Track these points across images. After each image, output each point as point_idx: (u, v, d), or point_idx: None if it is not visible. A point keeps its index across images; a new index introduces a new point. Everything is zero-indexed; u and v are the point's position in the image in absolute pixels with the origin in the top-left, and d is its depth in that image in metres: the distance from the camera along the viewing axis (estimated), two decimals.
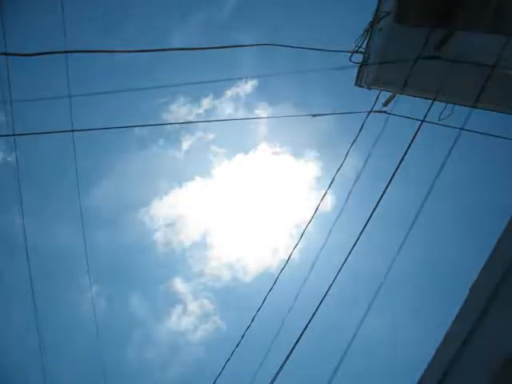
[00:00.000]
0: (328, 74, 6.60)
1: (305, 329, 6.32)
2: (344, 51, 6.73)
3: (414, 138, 6.21)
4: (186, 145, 17.82)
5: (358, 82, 7.05)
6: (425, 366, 4.69)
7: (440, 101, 6.69)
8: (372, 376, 15.39)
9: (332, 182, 7.40)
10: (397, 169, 6.13)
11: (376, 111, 7.19)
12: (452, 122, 6.58)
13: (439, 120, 6.67)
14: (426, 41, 5.84)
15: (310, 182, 17.57)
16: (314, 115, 7.60)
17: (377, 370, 15.62)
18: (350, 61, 6.75)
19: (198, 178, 17.92)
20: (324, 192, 7.77)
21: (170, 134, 17.99)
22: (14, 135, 9.26)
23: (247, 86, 17.13)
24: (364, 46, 6.78)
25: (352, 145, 7.24)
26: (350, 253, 6.48)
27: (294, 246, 7.78)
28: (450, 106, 6.72)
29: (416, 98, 6.88)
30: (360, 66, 6.53)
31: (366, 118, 7.14)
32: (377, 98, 7.31)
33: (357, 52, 6.75)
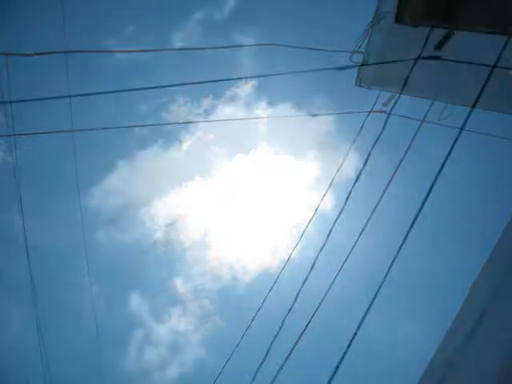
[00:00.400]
0: (328, 73, 6.59)
1: (305, 329, 6.31)
2: (344, 51, 6.71)
3: (413, 138, 6.20)
4: (185, 145, 17.83)
5: (358, 82, 7.04)
6: (425, 366, 4.69)
7: (440, 101, 6.66)
8: (372, 376, 15.39)
9: (332, 182, 7.39)
10: (397, 169, 6.12)
11: (376, 111, 7.16)
12: (452, 122, 6.57)
13: (439, 120, 6.65)
14: (426, 41, 5.83)
15: (310, 182, 17.57)
16: (314, 115, 7.58)
17: (377, 370, 15.63)
18: (351, 61, 6.74)
19: (197, 178, 17.92)
20: (324, 192, 7.76)
21: (170, 134, 18.00)
22: (14, 135, 9.26)
23: (247, 86, 17.12)
24: (364, 45, 6.76)
25: (352, 145, 7.24)
26: (350, 253, 6.47)
27: (294, 246, 7.78)
28: (450, 106, 6.70)
29: (416, 98, 6.86)
30: (360, 66, 6.51)
31: (366, 118, 7.11)
32: (377, 98, 7.29)
33: (357, 52, 6.73)
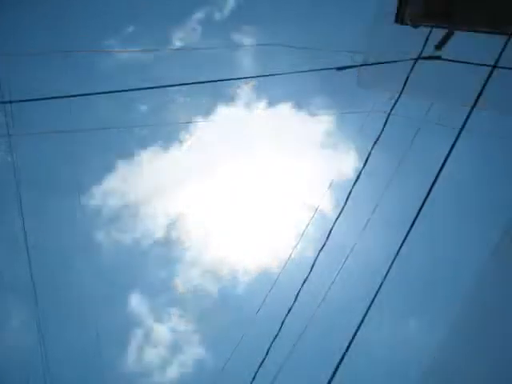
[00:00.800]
0: (328, 73, 6.59)
1: (305, 329, 6.31)
2: (345, 51, 6.69)
3: (413, 138, 6.17)
4: (185, 145, 17.80)
5: (359, 83, 7.02)
6: (425, 368, 4.69)
7: (440, 101, 6.64)
8: (372, 376, 15.39)
9: (332, 182, 7.39)
10: (396, 169, 6.12)
11: (376, 111, 7.14)
12: (452, 123, 6.55)
13: (439, 120, 6.64)
14: (426, 40, 5.83)
15: (310, 182, 17.55)
16: (315, 115, 7.54)
17: (377, 370, 15.62)
18: (352, 60, 6.71)
19: (197, 178, 17.90)
20: (324, 192, 7.76)
21: (170, 134, 17.98)
22: (14, 135, 9.27)
23: (247, 86, 17.11)
24: (365, 45, 6.75)
25: (351, 145, 7.24)
26: (350, 252, 6.48)
27: (294, 246, 7.78)
28: (450, 106, 6.68)
29: (417, 98, 6.82)
30: (361, 66, 6.50)
31: (367, 117, 7.09)
32: (377, 99, 7.27)
33: (357, 52, 6.71)
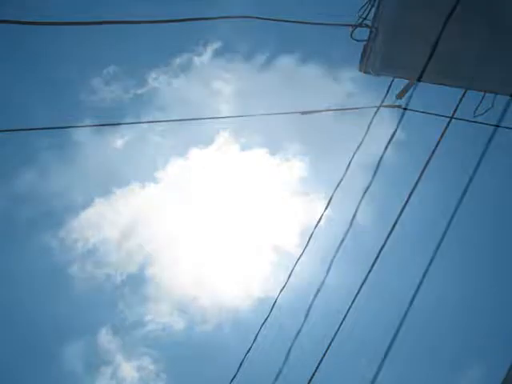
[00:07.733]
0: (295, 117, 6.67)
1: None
2: (343, 25, 5.46)
3: (441, 136, 5.08)
4: (161, 183, 17.83)
5: (363, 68, 5.64)
6: None
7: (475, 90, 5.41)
8: None
9: (302, 225, 7.44)
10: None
11: (387, 105, 6.04)
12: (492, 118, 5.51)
13: (474, 116, 5.60)
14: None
15: (282, 225, 17.54)
16: (303, 113, 6.37)
17: None
18: (351, 37, 5.47)
19: (171, 217, 17.88)
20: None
21: (147, 172, 18.06)
22: None
23: (221, 128, 17.30)
24: (371, 17, 5.36)
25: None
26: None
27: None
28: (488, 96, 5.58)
29: (440, 87, 5.63)
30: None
31: (375, 114, 5.95)
32: (389, 89, 6.05)
33: (361, 26, 5.39)
